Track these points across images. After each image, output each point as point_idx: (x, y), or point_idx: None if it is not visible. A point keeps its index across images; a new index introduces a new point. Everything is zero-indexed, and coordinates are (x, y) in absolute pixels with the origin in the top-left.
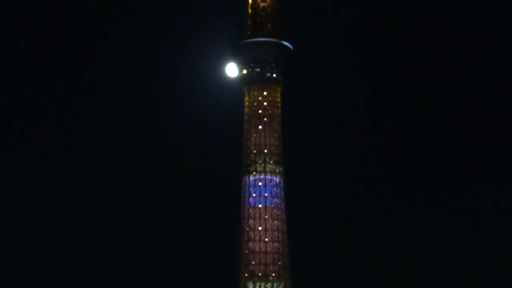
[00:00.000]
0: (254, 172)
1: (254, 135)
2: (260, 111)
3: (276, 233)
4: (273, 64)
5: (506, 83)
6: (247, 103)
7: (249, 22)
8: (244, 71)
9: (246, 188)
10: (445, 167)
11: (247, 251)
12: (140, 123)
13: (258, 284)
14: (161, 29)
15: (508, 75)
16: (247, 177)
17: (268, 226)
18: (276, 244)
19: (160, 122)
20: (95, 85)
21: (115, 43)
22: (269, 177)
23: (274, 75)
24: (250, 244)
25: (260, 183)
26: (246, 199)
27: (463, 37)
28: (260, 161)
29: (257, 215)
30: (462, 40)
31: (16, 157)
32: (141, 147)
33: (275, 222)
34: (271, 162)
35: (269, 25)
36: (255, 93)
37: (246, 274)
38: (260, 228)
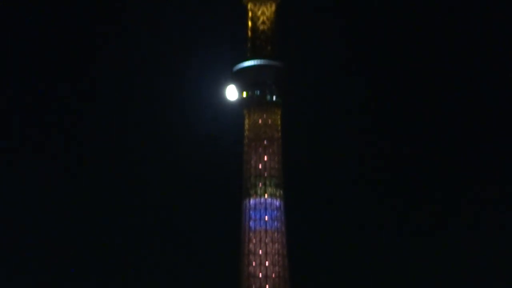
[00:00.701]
0: (255, 195)
1: (254, 158)
2: (260, 134)
3: (276, 257)
4: (273, 86)
5: (506, 83)
6: (247, 126)
7: (249, 45)
8: (244, 94)
9: (247, 211)
10: (445, 167)
11: (247, 275)
12: (139, 146)
13: None
14: (161, 52)
15: (508, 75)
16: (247, 200)
17: (268, 250)
18: (276, 268)
19: (159, 146)
20: (95, 118)
21: (115, 72)
22: (269, 200)
23: (274, 97)
24: (251, 268)
25: (260, 206)
26: (247, 222)
27: (463, 37)
28: (260, 184)
29: (258, 239)
30: (462, 40)
31: (16, 157)
32: (139, 171)
33: (276, 245)
34: (271, 185)
35: (269, 47)
36: (255, 116)
37: None
38: (260, 251)
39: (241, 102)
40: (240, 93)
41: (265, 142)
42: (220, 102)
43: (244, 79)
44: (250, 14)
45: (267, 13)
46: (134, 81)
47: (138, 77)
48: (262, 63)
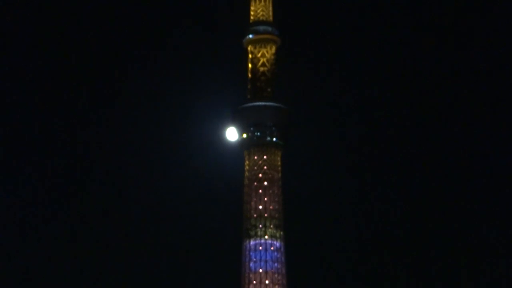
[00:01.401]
0: (255, 237)
1: (254, 199)
2: (260, 175)
3: None
4: (273, 128)
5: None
6: (247, 167)
7: (249, 87)
8: (244, 135)
9: (247, 252)
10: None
11: None
12: (138, 188)
13: None
14: (162, 94)
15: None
16: (247, 242)
17: None
18: None
19: (159, 187)
20: (95, 151)
21: (115, 107)
22: (269, 241)
23: (274, 139)
24: None
25: (260, 248)
26: (247, 263)
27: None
28: (260, 225)
29: (258, 280)
30: (459, 85)
31: None
32: (137, 213)
33: (276, 287)
34: (271, 226)
35: (269, 89)
36: (255, 157)
37: None
38: None
39: (241, 143)
40: (240, 134)
41: (265, 183)
42: (220, 143)
43: (244, 120)
44: (250, 56)
45: (267, 55)
46: (134, 144)
47: (138, 141)
48: (262, 104)
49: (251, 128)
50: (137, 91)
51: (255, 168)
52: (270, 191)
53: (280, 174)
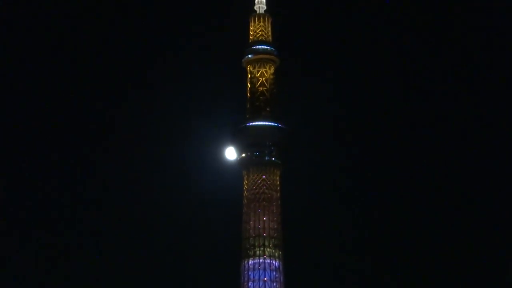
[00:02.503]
0: (253, 256)
1: (253, 218)
2: (259, 195)
3: None
4: (272, 147)
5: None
6: (246, 186)
7: (248, 106)
8: (243, 155)
9: (245, 272)
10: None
11: None
12: (135, 206)
13: None
14: (159, 113)
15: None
16: (246, 261)
17: None
18: None
19: (156, 205)
20: (100, 172)
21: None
22: (268, 261)
23: (273, 158)
24: None
25: (259, 267)
26: (245, 283)
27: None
28: (259, 245)
29: None
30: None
31: None
32: (135, 231)
33: None
34: (270, 245)
35: (268, 108)
36: (254, 177)
37: None
38: None
39: (240, 162)
40: (239, 153)
41: (264, 203)
42: (219, 162)
43: (243, 139)
44: (249, 76)
45: (266, 75)
46: (134, 166)
47: (139, 163)
48: (260, 124)
49: (250, 148)
50: (137, 111)
51: (254, 187)
52: (269, 211)
53: (279, 194)
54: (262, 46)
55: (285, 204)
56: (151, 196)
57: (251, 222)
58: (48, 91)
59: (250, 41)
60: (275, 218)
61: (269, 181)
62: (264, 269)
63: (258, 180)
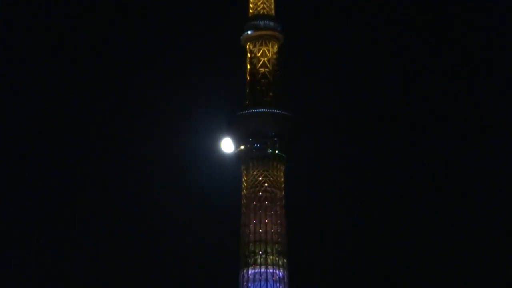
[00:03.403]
0: (254, 265)
1: (253, 221)
2: (260, 193)
3: None
4: (276, 138)
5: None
6: (245, 183)
7: (248, 91)
8: (242, 147)
9: (244, 283)
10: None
11: None
12: (128, 212)
13: None
14: (152, 101)
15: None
16: (245, 271)
17: None
18: None
19: (147, 205)
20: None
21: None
22: (271, 270)
23: (277, 151)
24: None
25: (260, 278)
26: None
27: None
28: (260, 252)
29: None
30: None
31: None
32: (130, 239)
33: None
34: (273, 253)
35: (271, 93)
36: (255, 172)
37: None
38: None
39: (238, 156)
40: (237, 145)
41: (266, 203)
42: (215, 156)
43: (241, 129)
44: (249, 55)
45: (269, 54)
46: (129, 161)
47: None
48: (262, 111)
49: (250, 139)
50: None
51: (254, 185)
52: (272, 212)
53: (283, 192)
54: (264, 21)
55: (291, 204)
56: (134, 195)
57: (250, 225)
58: (46, 91)
59: (249, 15)
60: (278, 221)
61: (272, 177)
62: (266, 280)
63: (259, 177)
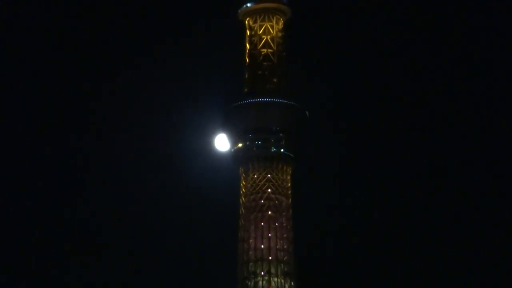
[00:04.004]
0: None
1: (254, 235)
2: (262, 201)
3: None
4: (281, 134)
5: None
6: (243, 189)
7: (247, 76)
8: (240, 145)
9: None
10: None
11: None
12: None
13: None
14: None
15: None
16: None
17: None
18: None
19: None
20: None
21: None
22: None
23: (282, 150)
24: None
25: None
26: None
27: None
28: (262, 273)
29: None
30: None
31: None
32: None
33: None
34: (278, 274)
35: (275, 79)
36: (255, 176)
37: None
38: None
39: (236, 156)
40: (234, 143)
41: (269, 213)
42: (207, 157)
43: (239, 123)
44: (248, 33)
45: (272, 32)
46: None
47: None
48: (264, 101)
49: (249, 135)
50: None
51: (255, 191)
52: (277, 224)
53: (290, 200)
54: None
55: (299, 214)
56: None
57: (250, 241)
58: (41, 87)
59: None
60: (284, 235)
61: (277, 182)
62: None
63: (260, 181)
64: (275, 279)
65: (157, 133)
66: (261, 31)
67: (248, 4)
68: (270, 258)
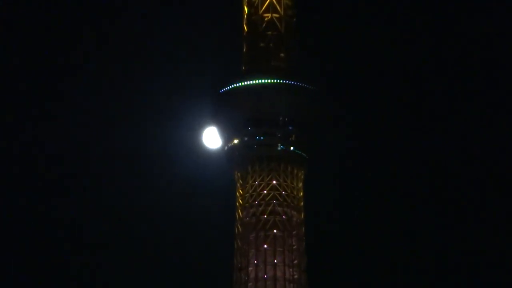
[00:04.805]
0: None
1: (255, 261)
2: (265, 216)
3: None
4: (291, 127)
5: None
6: (240, 201)
7: (245, 50)
8: (235, 141)
9: None
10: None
11: None
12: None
13: None
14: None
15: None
16: None
17: None
18: None
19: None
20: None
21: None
22: None
23: (292, 147)
24: None
25: None
26: None
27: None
28: None
29: None
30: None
31: None
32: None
33: None
34: None
35: (282, 54)
36: (256, 182)
37: None
38: None
39: (230, 156)
40: (228, 139)
41: (275, 232)
42: (193, 156)
43: (234, 113)
44: None
45: None
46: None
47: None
48: (268, 82)
49: (248, 128)
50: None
51: (256, 202)
52: (285, 247)
53: (303, 215)
54: None
55: (314, 233)
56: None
57: (250, 269)
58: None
59: None
60: (295, 261)
61: (285, 190)
62: None
63: (263, 189)
64: None
65: (132, 127)
66: None
67: None
68: None
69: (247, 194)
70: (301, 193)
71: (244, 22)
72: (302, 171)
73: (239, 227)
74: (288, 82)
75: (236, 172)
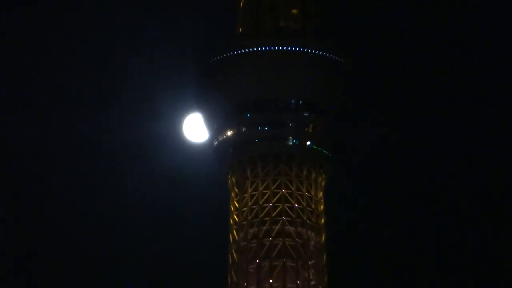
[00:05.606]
0: None
1: None
2: (271, 239)
3: None
4: (306, 113)
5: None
6: (236, 217)
7: (242, 4)
8: (229, 133)
9: None
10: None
11: None
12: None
13: None
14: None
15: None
16: None
17: None
18: None
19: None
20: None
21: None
22: None
23: (309, 142)
24: None
25: None
26: None
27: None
28: None
29: None
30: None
31: None
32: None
33: None
34: None
35: (295, 10)
36: (257, 191)
37: None
38: None
39: (221, 153)
40: (218, 130)
41: (284, 261)
42: (172, 152)
43: (227, 94)
44: None
45: None
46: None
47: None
48: (275, 50)
49: (247, 115)
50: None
51: (259, 219)
52: (299, 283)
53: (323, 237)
54: None
55: (338, 263)
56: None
57: None
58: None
59: None
60: None
61: (300, 202)
62: None
63: (268, 200)
64: None
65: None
66: None
67: None
68: None
69: (246, 208)
70: (322, 207)
71: None
72: (323, 176)
73: (234, 254)
74: (304, 49)
75: (230, 177)
